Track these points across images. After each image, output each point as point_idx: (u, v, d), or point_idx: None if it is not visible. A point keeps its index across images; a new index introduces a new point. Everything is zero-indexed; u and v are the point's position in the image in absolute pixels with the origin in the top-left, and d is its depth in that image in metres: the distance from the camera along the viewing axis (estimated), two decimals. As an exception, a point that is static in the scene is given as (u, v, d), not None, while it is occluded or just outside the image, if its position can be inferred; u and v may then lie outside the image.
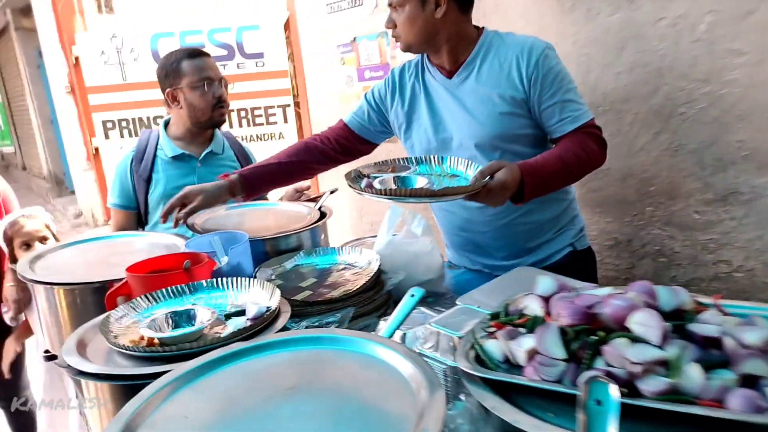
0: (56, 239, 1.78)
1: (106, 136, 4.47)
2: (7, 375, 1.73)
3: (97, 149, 4.55)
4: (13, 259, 1.73)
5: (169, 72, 1.64)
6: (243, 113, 4.56)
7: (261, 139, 4.64)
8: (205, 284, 1.00)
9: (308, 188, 1.87)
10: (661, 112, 1.49)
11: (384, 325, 0.85)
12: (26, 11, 7.29)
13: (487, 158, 1.22)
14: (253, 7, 4.75)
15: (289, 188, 1.76)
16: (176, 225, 1.32)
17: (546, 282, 0.72)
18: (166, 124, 1.75)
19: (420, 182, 1.13)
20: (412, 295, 0.79)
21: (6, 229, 1.74)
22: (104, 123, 4.43)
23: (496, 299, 1.07)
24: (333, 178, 1.96)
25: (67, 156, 6.74)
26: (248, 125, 4.60)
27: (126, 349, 0.78)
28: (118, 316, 0.90)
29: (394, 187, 1.11)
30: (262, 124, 4.64)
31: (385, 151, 1.49)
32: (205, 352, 0.75)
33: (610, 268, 1.71)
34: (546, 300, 0.70)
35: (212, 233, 1.24)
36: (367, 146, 1.46)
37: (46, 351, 1.20)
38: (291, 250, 1.30)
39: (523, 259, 1.35)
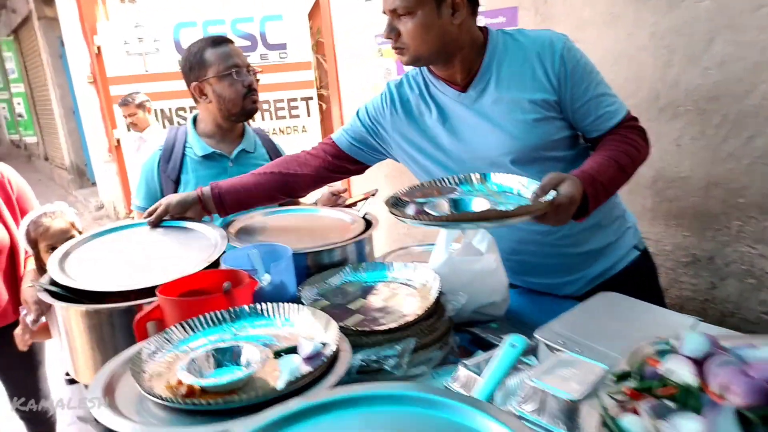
0: None
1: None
2: (21, 347, 1.61)
3: (118, 141, 4.47)
4: (40, 263, 1.62)
5: (193, 64, 1.50)
6: (266, 106, 4.43)
7: (284, 133, 4.51)
8: (247, 310, 0.87)
9: (345, 191, 1.73)
10: (757, 113, 1.31)
11: (468, 376, 0.70)
12: (49, 0, 7.27)
13: (526, 173, 1.07)
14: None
15: (324, 191, 1.62)
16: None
17: (695, 340, 0.56)
18: (195, 120, 1.62)
19: (478, 204, 0.99)
20: (513, 346, 0.63)
21: (29, 229, 1.62)
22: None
23: (582, 333, 0.92)
24: (368, 181, 1.82)
25: (88, 147, 6.73)
26: (271, 118, 4.47)
27: (162, 400, 0.65)
28: (150, 350, 0.77)
29: (449, 212, 0.97)
30: (285, 117, 4.50)
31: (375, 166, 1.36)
32: (256, 406, 0.62)
33: (687, 288, 1.53)
34: (698, 363, 0.55)
35: (250, 245, 1.10)
36: (359, 167, 1.32)
37: (67, 374, 1.08)
38: (335, 265, 1.17)
39: (588, 270, 1.21)
